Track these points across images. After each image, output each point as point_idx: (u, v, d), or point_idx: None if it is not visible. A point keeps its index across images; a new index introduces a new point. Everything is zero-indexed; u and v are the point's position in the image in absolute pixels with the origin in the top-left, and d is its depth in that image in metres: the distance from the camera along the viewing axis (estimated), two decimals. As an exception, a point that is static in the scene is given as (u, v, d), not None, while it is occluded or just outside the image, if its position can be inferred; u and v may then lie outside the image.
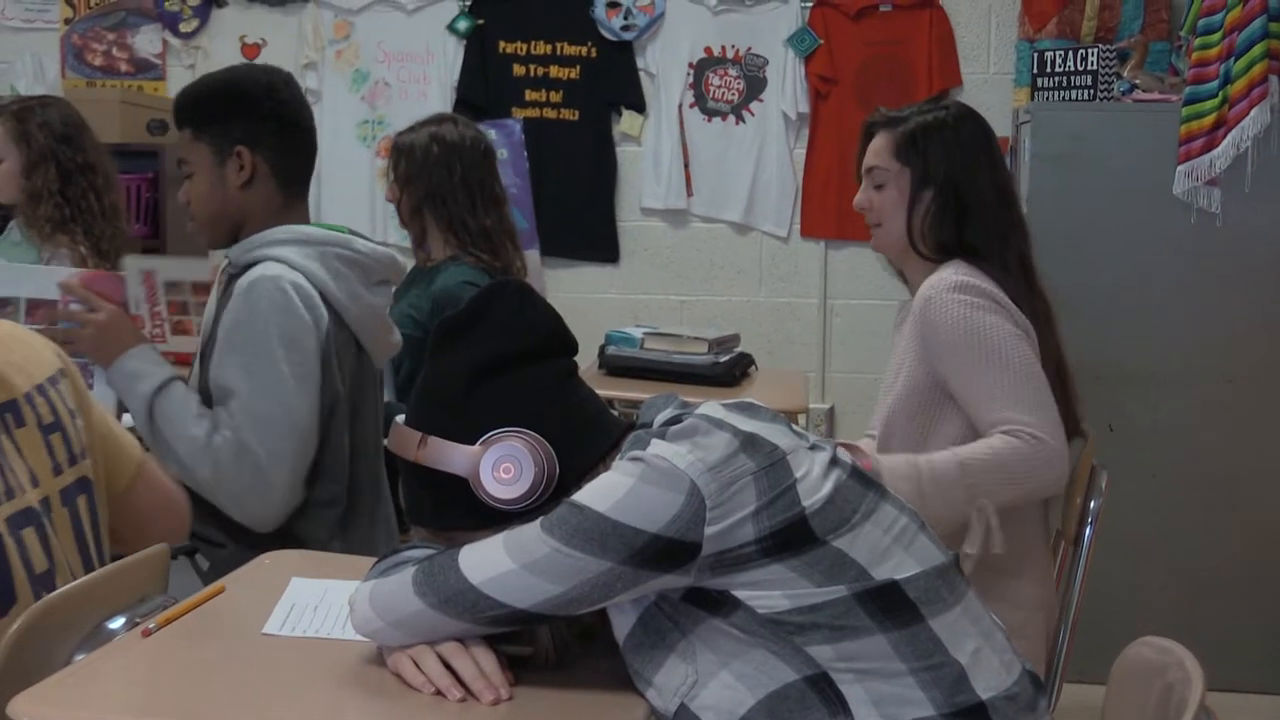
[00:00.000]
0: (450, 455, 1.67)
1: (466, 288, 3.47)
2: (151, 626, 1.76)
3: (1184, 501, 4.24)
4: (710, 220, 5.37)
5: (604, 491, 1.57)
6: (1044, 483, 2.42)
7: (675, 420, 1.66)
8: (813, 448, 1.66)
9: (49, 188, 3.88)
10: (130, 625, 1.80)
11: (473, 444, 1.67)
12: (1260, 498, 4.21)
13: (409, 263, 3.67)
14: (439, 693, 1.61)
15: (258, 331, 2.54)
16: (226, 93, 2.68)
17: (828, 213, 5.25)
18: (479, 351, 1.71)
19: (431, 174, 3.68)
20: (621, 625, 1.65)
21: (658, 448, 1.59)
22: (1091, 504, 2.53)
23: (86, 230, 3.88)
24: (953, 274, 2.55)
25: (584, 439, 1.72)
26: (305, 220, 2.75)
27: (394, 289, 2.93)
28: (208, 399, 2.61)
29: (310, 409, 2.58)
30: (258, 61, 5.27)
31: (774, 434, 1.63)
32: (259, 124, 2.68)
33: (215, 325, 2.63)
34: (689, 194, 5.35)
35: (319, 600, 1.91)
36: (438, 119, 3.80)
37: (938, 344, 2.51)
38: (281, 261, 2.61)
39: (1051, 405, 2.46)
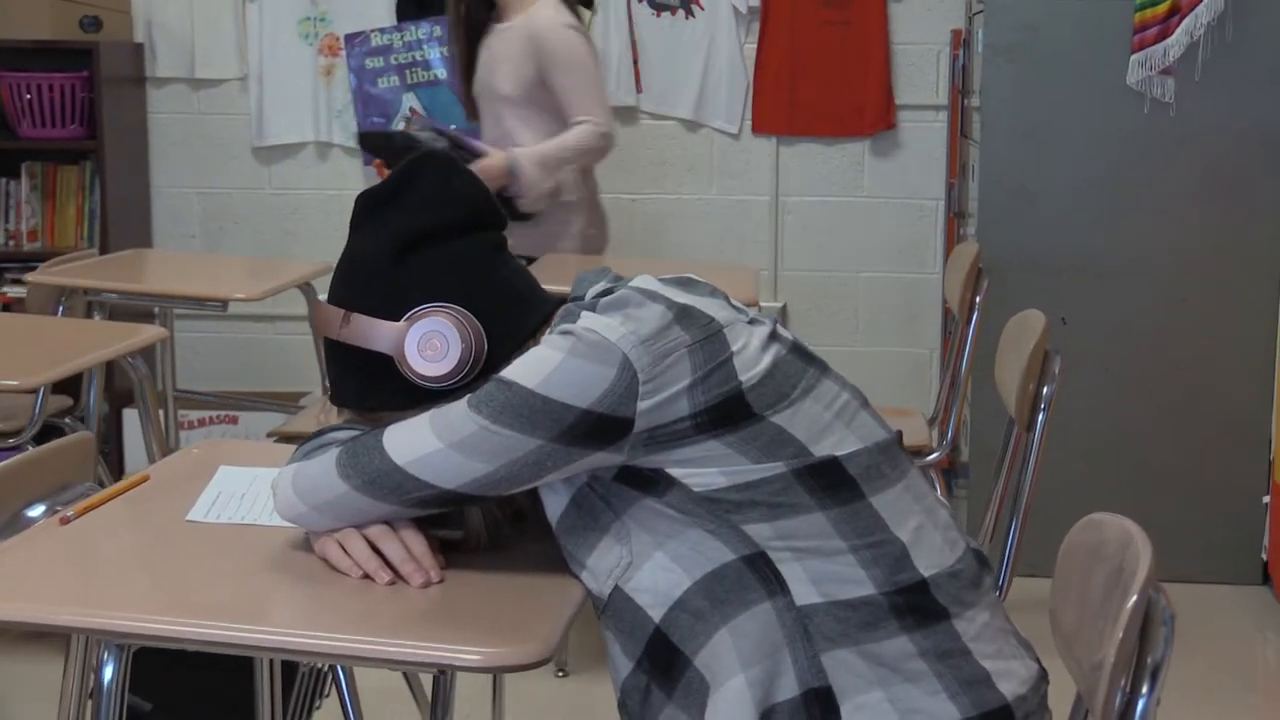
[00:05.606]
0: (374, 332, 1.62)
1: None
2: (70, 515, 1.71)
3: (1136, 393, 4.22)
4: (660, 117, 5.28)
5: (533, 367, 1.52)
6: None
7: (607, 292, 1.61)
8: (751, 321, 1.61)
9: None
10: (50, 513, 1.75)
11: (397, 320, 1.62)
12: (1213, 388, 4.20)
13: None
14: (367, 577, 1.57)
15: None
16: None
17: (779, 108, 5.16)
18: (403, 224, 1.64)
19: None
20: (554, 506, 1.61)
21: (588, 320, 1.54)
22: (1045, 390, 2.48)
23: None
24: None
25: (513, 314, 1.66)
26: None
27: None
28: None
29: None
30: None
31: (710, 306, 1.59)
32: None
33: None
34: (638, 90, 5.26)
35: (246, 488, 1.86)
36: None
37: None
38: None
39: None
